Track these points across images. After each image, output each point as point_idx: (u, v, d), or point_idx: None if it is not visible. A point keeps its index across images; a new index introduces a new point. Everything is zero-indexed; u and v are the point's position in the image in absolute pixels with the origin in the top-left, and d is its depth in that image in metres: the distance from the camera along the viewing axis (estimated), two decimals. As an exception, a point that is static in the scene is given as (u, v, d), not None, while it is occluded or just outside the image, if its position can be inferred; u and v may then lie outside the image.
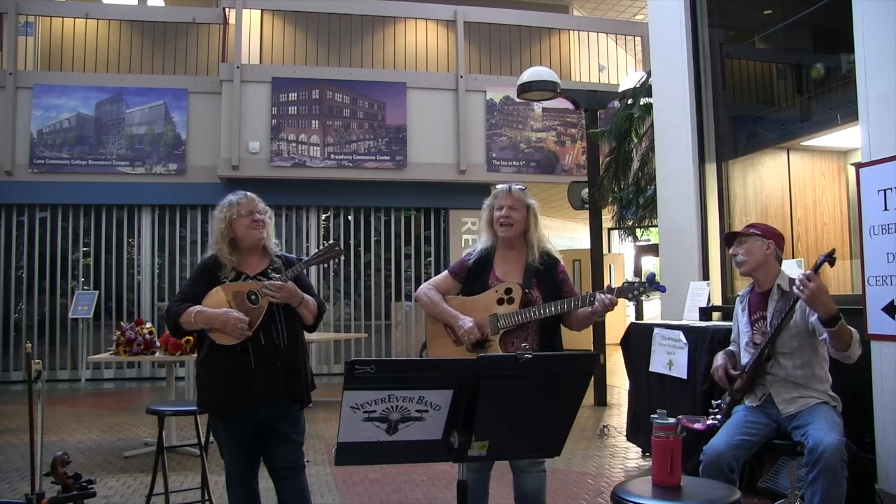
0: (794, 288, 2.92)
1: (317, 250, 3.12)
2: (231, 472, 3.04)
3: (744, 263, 3.28)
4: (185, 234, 10.61)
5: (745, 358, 3.31)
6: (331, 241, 3.18)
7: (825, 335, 2.93)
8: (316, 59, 11.51)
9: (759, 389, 3.18)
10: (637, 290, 2.87)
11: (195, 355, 3.21)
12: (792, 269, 4.08)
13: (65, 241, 10.36)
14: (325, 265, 9.66)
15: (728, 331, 4.00)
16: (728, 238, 3.43)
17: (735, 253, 3.32)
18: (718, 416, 3.20)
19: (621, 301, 2.89)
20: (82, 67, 10.62)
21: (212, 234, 3.13)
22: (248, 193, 3.14)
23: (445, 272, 3.20)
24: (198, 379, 3.13)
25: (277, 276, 3.00)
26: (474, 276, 3.10)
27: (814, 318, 3.00)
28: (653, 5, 6.42)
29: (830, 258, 3.00)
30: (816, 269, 2.93)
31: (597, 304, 2.83)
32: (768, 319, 3.21)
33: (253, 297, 2.96)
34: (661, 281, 2.89)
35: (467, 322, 2.96)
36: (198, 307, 2.94)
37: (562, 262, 3.12)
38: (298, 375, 3.08)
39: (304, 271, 3.11)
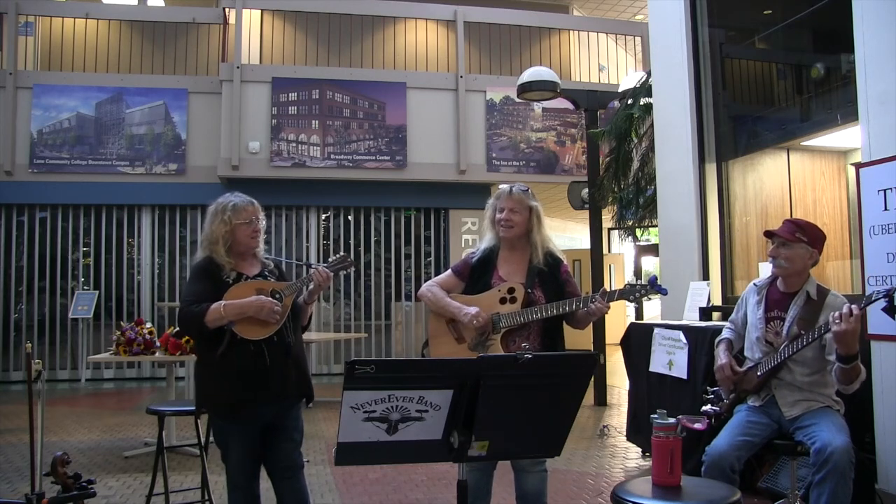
0: (830, 315, 2.81)
1: (334, 256, 3.16)
2: (235, 474, 3.01)
3: (782, 268, 3.16)
4: (185, 234, 10.60)
5: (750, 351, 3.28)
6: (341, 253, 3.22)
7: (834, 357, 2.90)
8: (316, 59, 11.50)
9: (762, 390, 3.17)
10: (638, 292, 2.89)
11: (195, 356, 3.19)
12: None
13: (65, 241, 10.34)
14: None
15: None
16: (769, 233, 3.25)
17: (776, 255, 3.16)
18: (717, 408, 3.19)
19: (621, 301, 2.90)
20: (82, 67, 10.61)
21: (207, 234, 3.05)
22: (254, 201, 3.11)
23: (448, 271, 3.21)
24: (205, 380, 3.02)
25: (283, 281, 3.06)
26: (477, 276, 3.10)
27: (829, 335, 2.94)
28: (653, 5, 6.42)
29: (890, 297, 2.68)
30: (865, 305, 2.79)
31: (591, 308, 2.89)
32: (786, 323, 3.14)
33: (277, 295, 2.96)
34: (661, 281, 2.90)
35: (472, 309, 2.97)
36: (223, 301, 2.88)
37: (565, 263, 3.12)
38: (305, 371, 3.13)
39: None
